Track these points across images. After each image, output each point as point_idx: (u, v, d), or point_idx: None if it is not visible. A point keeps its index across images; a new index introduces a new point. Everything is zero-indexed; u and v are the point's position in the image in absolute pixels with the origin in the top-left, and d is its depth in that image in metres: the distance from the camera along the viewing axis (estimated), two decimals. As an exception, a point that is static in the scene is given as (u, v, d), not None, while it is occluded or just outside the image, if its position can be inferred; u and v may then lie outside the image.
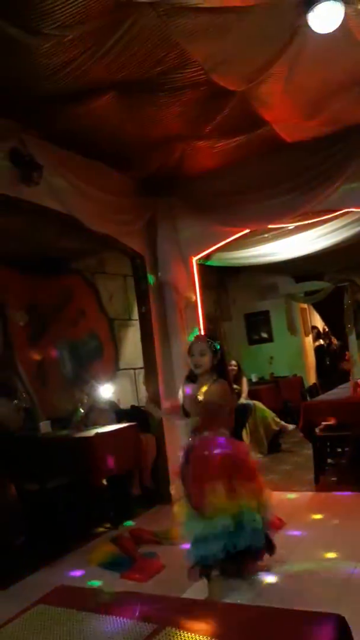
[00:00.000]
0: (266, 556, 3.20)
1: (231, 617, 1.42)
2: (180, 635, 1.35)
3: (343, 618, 1.31)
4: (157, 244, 5.61)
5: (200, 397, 3.18)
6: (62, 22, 2.87)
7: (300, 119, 4.32)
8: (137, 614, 1.45)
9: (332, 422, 5.44)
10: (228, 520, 2.89)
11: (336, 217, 5.61)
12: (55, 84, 3.51)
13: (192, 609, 1.52)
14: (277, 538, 3.31)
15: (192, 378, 3.31)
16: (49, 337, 6.20)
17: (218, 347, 3.25)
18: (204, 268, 6.10)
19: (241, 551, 2.94)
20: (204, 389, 3.17)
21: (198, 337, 3.51)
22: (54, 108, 3.86)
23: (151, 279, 5.67)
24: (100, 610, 1.53)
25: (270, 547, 3.14)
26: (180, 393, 3.39)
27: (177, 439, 5.47)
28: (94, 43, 3.14)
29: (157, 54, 3.34)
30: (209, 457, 3.06)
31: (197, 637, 1.32)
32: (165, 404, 4.09)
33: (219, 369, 3.26)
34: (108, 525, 4.79)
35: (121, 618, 1.47)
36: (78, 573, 3.83)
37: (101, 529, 4.65)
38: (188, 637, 1.33)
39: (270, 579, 3.25)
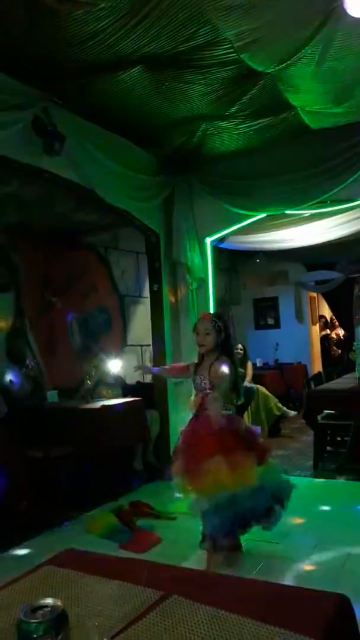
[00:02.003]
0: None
1: (237, 590, 1.46)
2: (185, 604, 1.39)
3: (346, 598, 1.35)
4: (173, 223, 5.60)
5: (197, 385, 3.26)
6: (96, -10, 2.84)
7: (327, 106, 4.27)
8: (144, 580, 1.49)
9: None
10: (229, 494, 2.92)
11: (353, 207, 5.57)
12: (84, 54, 3.48)
13: (199, 580, 1.56)
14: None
15: (199, 357, 3.34)
16: (61, 308, 6.23)
17: (223, 326, 3.25)
18: (216, 250, 6.09)
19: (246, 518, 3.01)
20: (197, 382, 3.26)
21: (204, 316, 3.45)
22: (80, 78, 3.84)
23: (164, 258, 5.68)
24: (108, 575, 1.57)
25: (269, 514, 3.13)
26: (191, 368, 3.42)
27: (181, 416, 5.54)
28: (125, 14, 3.10)
29: (188, 29, 3.29)
30: (205, 435, 3.07)
31: (203, 607, 1.36)
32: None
33: (223, 347, 3.26)
34: (108, 496, 4.86)
35: (129, 584, 1.52)
36: (77, 540, 3.91)
37: (101, 500, 4.73)
38: (194, 606, 1.37)
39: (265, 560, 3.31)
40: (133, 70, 3.73)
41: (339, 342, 10.48)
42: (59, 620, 1.07)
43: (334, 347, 10.41)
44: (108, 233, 6.75)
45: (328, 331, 10.80)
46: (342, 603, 1.32)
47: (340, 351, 10.17)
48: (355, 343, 6.25)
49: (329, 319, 11.03)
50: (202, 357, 3.33)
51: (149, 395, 5.60)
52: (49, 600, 1.13)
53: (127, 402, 5.25)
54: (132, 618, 1.32)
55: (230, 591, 1.44)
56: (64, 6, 2.98)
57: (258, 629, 1.21)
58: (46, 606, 1.10)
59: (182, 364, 3.73)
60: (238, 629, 1.22)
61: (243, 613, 1.27)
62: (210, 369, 3.20)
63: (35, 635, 1.03)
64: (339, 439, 6.01)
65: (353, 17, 3.08)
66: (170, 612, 1.34)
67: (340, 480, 5.05)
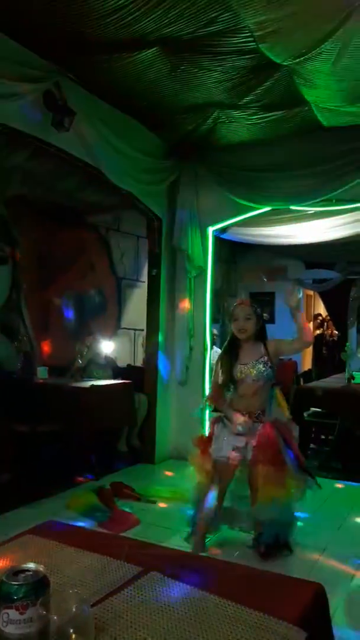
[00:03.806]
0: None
1: (216, 571, 1.48)
2: (164, 580, 1.41)
3: (322, 587, 1.37)
4: (177, 209, 5.59)
5: (247, 371, 3.13)
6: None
7: (341, 104, 4.25)
8: (124, 555, 1.51)
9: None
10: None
11: (358, 209, 5.57)
12: (102, 30, 3.44)
13: (179, 559, 1.59)
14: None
15: (231, 348, 3.23)
16: (57, 286, 6.23)
17: (261, 313, 3.22)
18: (217, 241, 6.08)
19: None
20: (248, 368, 3.12)
21: (242, 301, 3.32)
22: (96, 55, 3.80)
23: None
24: (89, 548, 1.59)
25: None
26: (217, 367, 3.32)
27: (169, 401, 5.58)
28: (148, -7, 3.07)
29: (208, 14, 3.26)
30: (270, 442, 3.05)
31: (181, 585, 1.38)
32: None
33: (261, 335, 3.21)
34: (91, 475, 4.90)
35: (109, 557, 1.53)
36: (57, 517, 3.94)
37: (83, 479, 4.76)
38: (172, 583, 1.39)
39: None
40: (150, 51, 3.70)
41: (332, 342, 10.52)
42: (40, 584, 1.08)
43: (325, 348, 10.45)
44: (110, 214, 6.72)
45: (323, 330, 10.83)
46: (319, 591, 1.34)
47: (325, 351, 10.22)
48: (347, 344, 6.29)
49: (324, 318, 11.06)
50: (234, 346, 3.24)
51: (139, 378, 5.62)
52: (30, 565, 1.15)
53: (116, 383, 5.28)
54: (111, 590, 1.33)
55: (210, 572, 1.46)
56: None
57: (235, 610, 1.23)
58: (28, 570, 1.12)
59: (215, 388, 3.42)
60: (214, 608, 1.24)
61: (221, 594, 1.29)
62: (267, 347, 3.13)
63: (15, 597, 1.05)
64: (323, 437, 6.07)
65: (375, 16, 3.07)
66: (148, 587, 1.36)
67: (322, 479, 5.09)
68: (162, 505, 4.25)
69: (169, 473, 5.13)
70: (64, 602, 1.13)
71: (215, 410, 3.66)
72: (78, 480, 4.67)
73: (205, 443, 3.27)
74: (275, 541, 3.11)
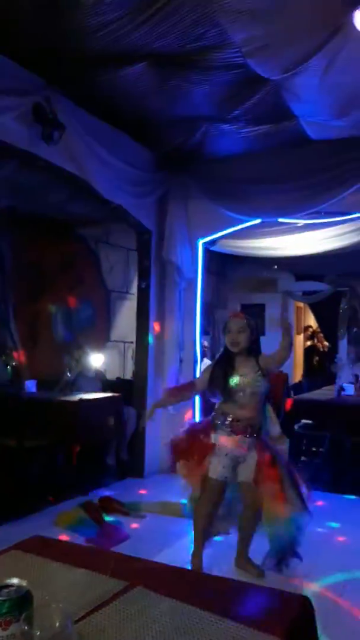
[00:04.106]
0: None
1: (204, 585, 1.46)
2: (150, 595, 1.39)
3: (309, 600, 1.36)
4: (167, 222, 5.60)
5: (246, 383, 3.07)
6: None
7: (329, 118, 4.31)
8: (110, 570, 1.49)
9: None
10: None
11: (346, 221, 5.62)
12: (91, 44, 3.47)
13: (165, 573, 1.56)
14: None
15: (225, 359, 3.17)
16: (46, 299, 6.20)
17: (255, 325, 3.17)
18: (207, 253, 6.10)
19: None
20: (247, 380, 3.07)
21: (235, 314, 3.28)
22: (85, 69, 3.84)
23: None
24: (75, 563, 1.56)
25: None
26: (205, 374, 3.27)
27: (159, 414, 5.54)
28: (136, 8, 3.10)
29: (197, 29, 3.31)
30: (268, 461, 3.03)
31: (167, 599, 1.36)
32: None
33: (254, 348, 3.16)
34: (79, 490, 4.84)
35: (95, 572, 1.51)
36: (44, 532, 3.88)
37: (71, 493, 4.70)
38: (158, 597, 1.37)
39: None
40: (139, 65, 3.73)
41: (323, 354, 10.54)
42: (23, 600, 1.06)
43: (316, 359, 10.47)
44: (100, 227, 6.73)
45: (314, 342, 10.86)
46: (306, 605, 1.32)
47: (316, 363, 10.24)
48: (337, 355, 6.31)
49: (315, 330, 11.10)
50: (223, 360, 3.19)
51: (128, 391, 5.59)
52: (14, 580, 1.12)
53: (105, 397, 5.24)
54: (96, 605, 1.31)
55: (196, 586, 1.44)
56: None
57: (221, 624, 1.21)
58: (12, 585, 1.10)
59: (181, 384, 3.49)
60: (200, 623, 1.22)
61: (207, 608, 1.27)
62: (260, 361, 3.09)
63: (-2, 613, 1.03)
64: (314, 449, 6.05)
65: (360, 33, 3.12)
66: (133, 602, 1.33)
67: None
68: (151, 519, 4.20)
69: (158, 487, 5.08)
70: (48, 618, 1.10)
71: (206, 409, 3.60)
72: (67, 495, 4.61)
73: (198, 453, 3.18)
74: (284, 555, 3.06)
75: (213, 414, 3.21)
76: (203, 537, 3.17)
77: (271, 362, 3.15)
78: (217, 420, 3.13)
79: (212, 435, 3.12)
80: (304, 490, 3.06)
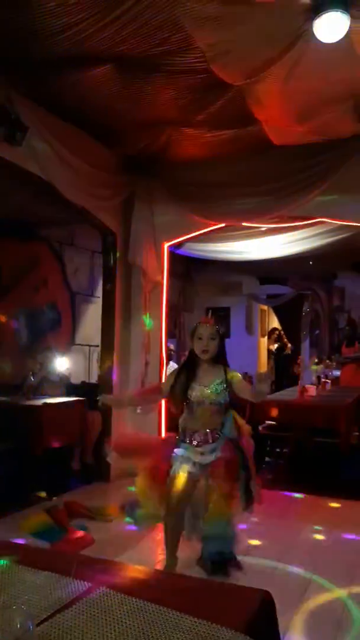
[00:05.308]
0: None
1: (165, 583, 1.47)
2: (113, 596, 1.39)
3: (269, 594, 1.38)
4: (132, 224, 5.60)
5: (206, 395, 3.07)
6: (72, -18, 2.84)
7: (291, 123, 4.38)
8: (74, 572, 1.48)
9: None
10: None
11: (309, 226, 5.73)
12: (54, 47, 3.46)
13: (128, 573, 1.57)
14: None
15: (189, 367, 3.16)
16: (8, 301, 6.10)
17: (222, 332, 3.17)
18: (172, 256, 6.13)
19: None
20: (207, 391, 3.07)
21: (206, 320, 3.19)
22: (48, 71, 3.81)
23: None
24: (38, 566, 1.55)
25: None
26: (170, 378, 3.24)
27: (124, 418, 5.53)
28: (100, 10, 3.10)
29: (161, 33, 3.33)
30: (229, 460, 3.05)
31: (129, 599, 1.37)
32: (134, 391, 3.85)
33: (221, 355, 3.16)
34: (43, 495, 4.78)
35: (58, 575, 1.50)
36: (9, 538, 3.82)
37: (36, 499, 4.64)
38: (121, 598, 1.38)
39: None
40: (103, 67, 3.73)
41: (287, 356, 10.67)
42: (-17, 602, 1.05)
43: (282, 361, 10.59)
44: (64, 229, 6.66)
45: (281, 344, 10.99)
46: (266, 599, 1.35)
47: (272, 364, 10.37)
48: (300, 356, 6.42)
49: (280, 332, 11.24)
50: (188, 366, 3.17)
51: (93, 395, 5.54)
52: (-26, 584, 1.11)
53: (69, 401, 5.19)
54: (59, 607, 1.31)
55: (159, 585, 1.45)
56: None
57: (182, 620, 1.22)
58: (-29, 589, 1.09)
59: (148, 386, 3.48)
60: (162, 621, 1.23)
61: (168, 605, 1.28)
62: (229, 376, 3.11)
63: None
64: (277, 450, 6.14)
65: (321, 42, 3.19)
66: (97, 603, 1.34)
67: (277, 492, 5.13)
68: (117, 523, 4.18)
69: (124, 491, 5.06)
70: (9, 620, 1.10)
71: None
72: (31, 500, 4.55)
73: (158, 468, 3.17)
74: (220, 557, 3.08)
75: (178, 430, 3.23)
76: (173, 536, 3.14)
77: (244, 393, 3.18)
78: (179, 437, 3.17)
79: (175, 450, 3.15)
80: (254, 489, 3.09)
